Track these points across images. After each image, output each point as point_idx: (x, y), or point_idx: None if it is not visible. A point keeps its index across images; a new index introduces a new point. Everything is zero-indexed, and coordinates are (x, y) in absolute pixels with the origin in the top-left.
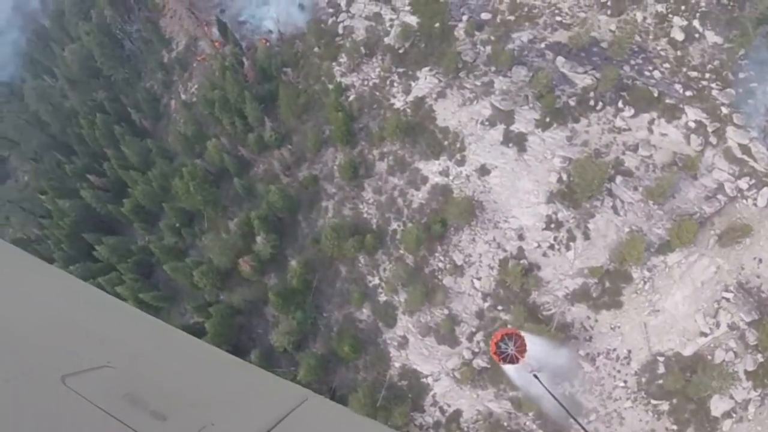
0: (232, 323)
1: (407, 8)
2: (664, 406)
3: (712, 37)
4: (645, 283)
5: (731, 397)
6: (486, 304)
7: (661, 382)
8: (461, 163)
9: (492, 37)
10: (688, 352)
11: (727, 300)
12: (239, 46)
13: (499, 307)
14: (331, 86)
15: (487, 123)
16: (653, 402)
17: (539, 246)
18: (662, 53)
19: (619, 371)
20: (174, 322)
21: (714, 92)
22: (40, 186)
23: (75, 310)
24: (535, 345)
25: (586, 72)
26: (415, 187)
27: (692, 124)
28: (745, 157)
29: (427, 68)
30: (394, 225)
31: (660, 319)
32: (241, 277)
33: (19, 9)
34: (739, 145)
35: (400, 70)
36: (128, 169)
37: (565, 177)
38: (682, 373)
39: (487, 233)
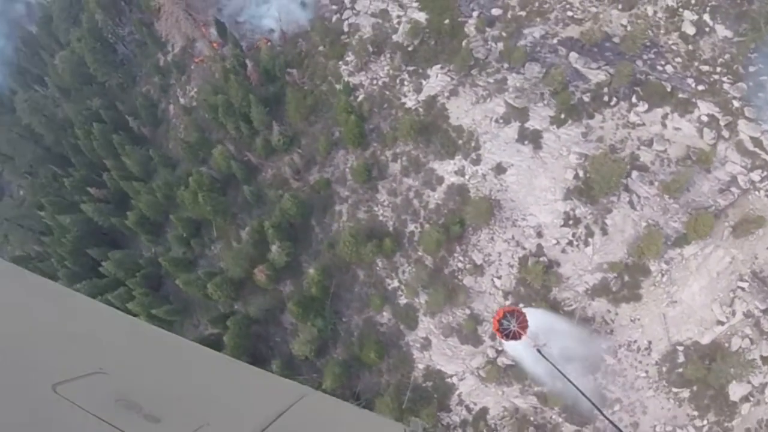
0: (249, 334)
1: (415, 4)
2: (685, 393)
3: (722, 31)
4: (663, 275)
5: (749, 382)
6: (507, 303)
7: (681, 370)
8: (477, 162)
9: (503, 33)
10: (705, 340)
11: (742, 289)
12: (240, 47)
13: (521, 305)
14: (338, 86)
15: (501, 121)
16: (674, 390)
17: (558, 243)
18: (674, 47)
19: (640, 362)
20: (188, 335)
21: (725, 86)
22: (37, 201)
23: (63, 318)
24: (537, 320)
25: (599, 68)
26: (430, 188)
27: (705, 118)
28: (757, 150)
29: (438, 66)
30: (411, 227)
31: (678, 309)
32: (255, 285)
33: (3, 15)
34: (751, 138)
35: (410, 68)
36: (129, 179)
37: (581, 173)
38: (702, 361)
39: (506, 232)
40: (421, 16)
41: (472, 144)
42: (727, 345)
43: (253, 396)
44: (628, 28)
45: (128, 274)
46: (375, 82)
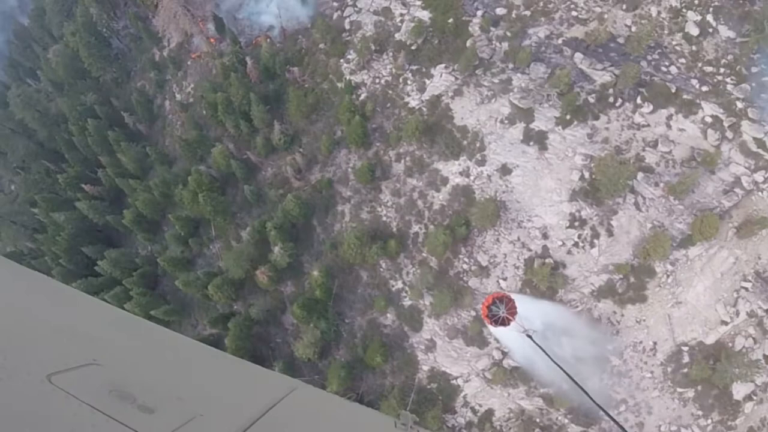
0: (249, 335)
1: (418, 3)
2: (690, 393)
3: (725, 32)
4: (668, 276)
5: (751, 381)
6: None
7: (686, 371)
8: (482, 162)
9: (508, 33)
10: (710, 340)
11: (746, 289)
12: (239, 44)
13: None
14: (340, 84)
15: (506, 121)
16: (679, 390)
17: (564, 244)
18: (677, 48)
19: (645, 363)
20: (186, 335)
21: (729, 87)
22: (30, 197)
23: (57, 312)
24: (526, 306)
25: (604, 69)
26: (435, 189)
27: (709, 119)
28: (761, 151)
29: (442, 65)
30: (416, 228)
31: (683, 310)
32: (255, 285)
33: None
34: (754, 139)
35: (414, 67)
36: (125, 176)
37: (587, 175)
38: (706, 361)
39: (511, 233)
40: (425, 15)
41: (477, 144)
42: (731, 345)
43: (245, 388)
44: (633, 29)
45: (124, 273)
46: (377, 80)
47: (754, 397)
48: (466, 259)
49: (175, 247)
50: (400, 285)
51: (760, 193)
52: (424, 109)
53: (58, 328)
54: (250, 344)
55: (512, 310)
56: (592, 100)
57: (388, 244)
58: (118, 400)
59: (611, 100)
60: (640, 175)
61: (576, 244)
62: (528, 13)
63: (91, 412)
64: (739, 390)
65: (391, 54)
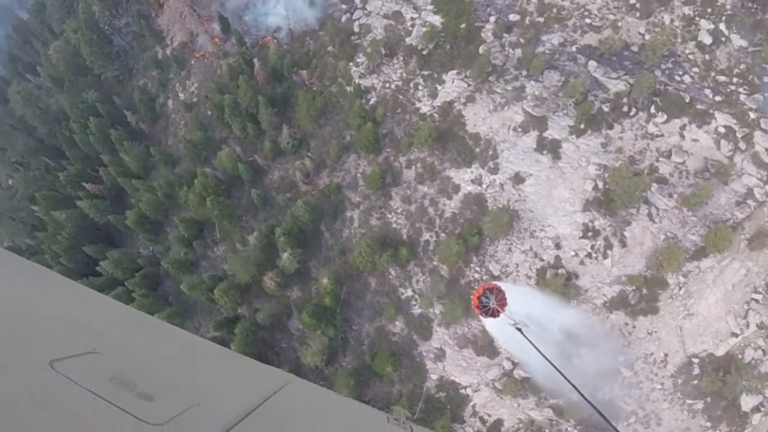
0: (255, 340)
1: (430, 7)
2: (699, 404)
3: (737, 41)
4: (680, 288)
5: (760, 393)
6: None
7: (696, 382)
8: (494, 171)
9: (521, 40)
10: (720, 352)
11: (756, 301)
12: (245, 45)
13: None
14: (349, 88)
15: (519, 129)
16: (688, 401)
17: (576, 254)
18: (691, 57)
19: (656, 374)
20: None
21: (742, 97)
22: (29, 194)
23: (59, 302)
24: (518, 297)
25: (618, 77)
26: (446, 196)
27: (722, 130)
28: None
29: (454, 71)
30: (426, 235)
31: (694, 322)
32: (261, 289)
33: None
34: (767, 150)
35: (425, 72)
36: (127, 175)
37: (600, 185)
38: (716, 373)
39: (524, 243)
40: (436, 20)
41: (490, 152)
42: (740, 356)
43: (241, 380)
44: (646, 37)
45: (126, 273)
46: (387, 85)
47: (762, 409)
48: (477, 269)
49: (179, 248)
50: (409, 293)
51: None
52: (436, 115)
53: (59, 317)
54: (256, 349)
55: (502, 302)
56: (606, 109)
57: (399, 252)
58: (119, 387)
59: (625, 109)
60: (654, 186)
61: (589, 255)
62: (541, 19)
63: (93, 398)
64: (747, 402)
65: (401, 58)
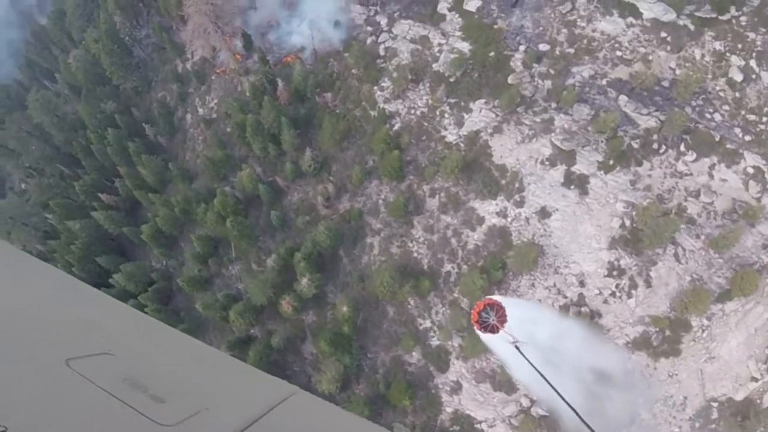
0: (268, 362)
1: (458, 33)
2: None
3: (767, 78)
4: (703, 331)
5: None
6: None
7: (714, 426)
8: (520, 204)
9: (551, 71)
10: (739, 397)
11: None
12: (268, 64)
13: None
14: (373, 113)
15: (547, 162)
16: None
17: (600, 293)
18: (721, 94)
19: (674, 417)
20: None
21: None
22: (43, 201)
23: (74, 304)
24: (519, 313)
25: (649, 113)
26: (470, 228)
27: (751, 170)
28: None
29: (481, 100)
30: (448, 266)
31: (715, 365)
32: (275, 311)
33: (14, 5)
34: None
35: (452, 100)
36: (143, 188)
37: (628, 223)
38: (734, 418)
39: (548, 279)
40: (465, 46)
41: (516, 185)
42: (759, 402)
43: (247, 389)
44: (677, 72)
45: (139, 286)
46: (413, 111)
47: None
48: None
49: (193, 265)
50: (428, 324)
51: None
52: (462, 144)
53: (75, 319)
54: (267, 371)
55: (502, 318)
56: (635, 146)
57: (421, 284)
58: (131, 388)
59: (655, 146)
60: (682, 226)
61: (613, 294)
62: (572, 50)
63: (107, 397)
64: None
65: (427, 84)
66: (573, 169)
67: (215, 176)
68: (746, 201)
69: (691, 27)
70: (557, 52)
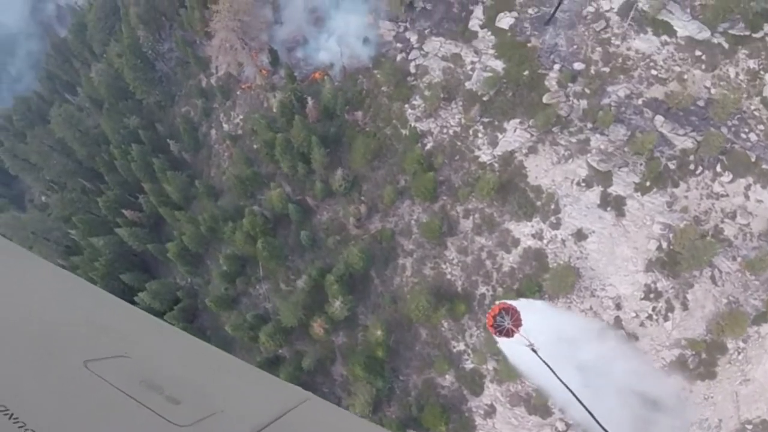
0: (298, 384)
1: (491, 51)
2: None
3: None
4: (739, 353)
5: None
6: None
7: None
8: (556, 226)
9: (587, 90)
10: None
11: None
12: (296, 81)
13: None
14: (404, 131)
15: (583, 184)
16: None
17: (637, 316)
18: (756, 113)
19: None
20: None
21: None
22: (66, 216)
23: (93, 308)
24: (536, 317)
25: (686, 134)
26: (505, 250)
27: None
28: None
29: (516, 120)
30: (482, 289)
31: (750, 388)
32: (304, 332)
33: (34, 16)
34: None
35: (485, 119)
36: (168, 204)
37: (664, 245)
38: None
39: (584, 302)
40: (498, 65)
41: (552, 206)
42: None
43: (261, 393)
44: (712, 91)
45: (164, 304)
46: (445, 130)
47: None
48: None
49: (220, 283)
50: (462, 347)
51: None
52: (496, 164)
53: (93, 323)
54: None
55: (517, 322)
56: (672, 167)
57: (456, 307)
58: (147, 389)
59: (691, 167)
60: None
61: (650, 317)
62: (607, 69)
63: (124, 398)
64: None
65: (460, 103)
66: (609, 190)
67: (242, 194)
68: None
69: (725, 45)
70: (592, 71)
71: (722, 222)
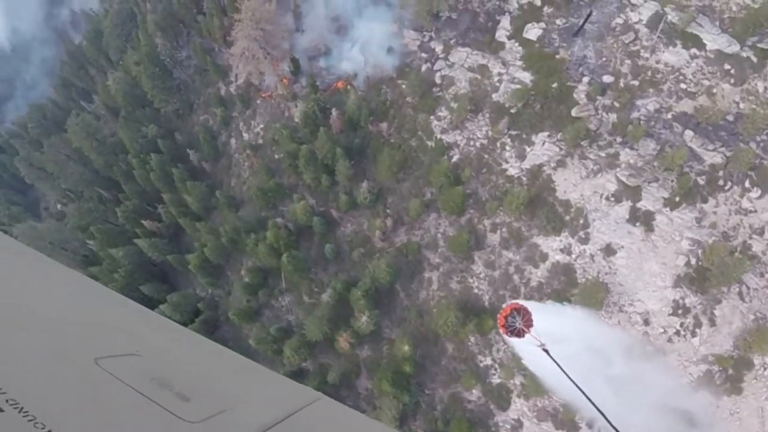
0: None
1: (519, 63)
2: None
3: None
4: (765, 369)
5: None
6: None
7: None
8: (585, 241)
9: (616, 104)
10: None
11: None
12: (318, 90)
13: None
14: (430, 143)
15: (612, 198)
16: None
17: (665, 332)
18: None
19: None
20: None
21: None
22: (83, 225)
23: (104, 308)
24: (548, 318)
25: (715, 149)
26: (533, 264)
27: None
28: None
29: (544, 133)
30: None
31: None
32: (329, 345)
33: (48, 22)
34: None
35: (513, 132)
36: (187, 215)
37: (693, 261)
38: None
39: (612, 317)
40: (526, 77)
41: (581, 221)
42: None
43: (271, 392)
44: (741, 105)
45: (185, 316)
46: (471, 142)
47: None
48: None
49: (242, 295)
50: (489, 362)
51: None
52: (524, 178)
53: (104, 322)
54: None
55: (528, 322)
56: (701, 182)
57: (484, 322)
58: (158, 387)
59: (720, 182)
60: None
61: (677, 332)
62: (636, 83)
63: (134, 394)
64: None
65: (487, 115)
66: (638, 205)
67: (264, 205)
68: None
69: (754, 59)
70: (621, 84)
71: (750, 238)
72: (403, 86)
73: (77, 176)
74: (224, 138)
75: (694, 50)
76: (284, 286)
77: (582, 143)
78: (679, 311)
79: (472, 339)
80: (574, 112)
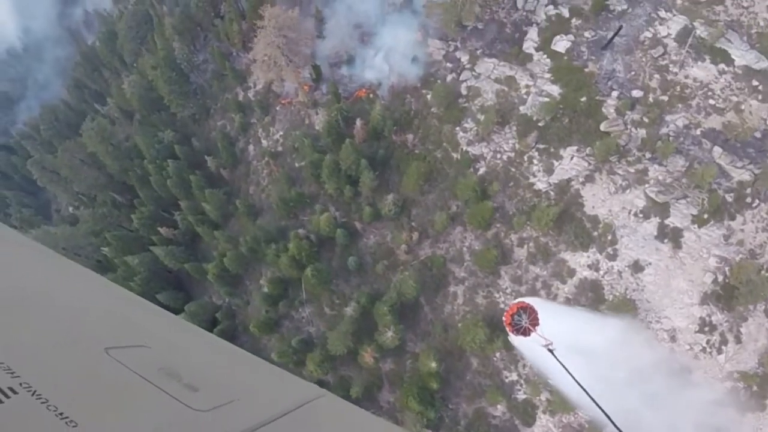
0: None
1: (547, 75)
2: None
3: None
4: None
5: None
6: None
7: None
8: (613, 257)
9: (645, 119)
10: None
11: None
12: (340, 99)
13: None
14: (455, 155)
15: (641, 215)
16: None
17: (691, 348)
18: None
19: None
20: None
21: None
22: (97, 231)
23: (113, 302)
24: (553, 318)
25: (744, 166)
26: (560, 280)
27: None
28: None
29: (573, 148)
30: None
31: None
32: (351, 357)
33: (60, 22)
34: None
35: (541, 146)
36: (205, 222)
37: (720, 278)
38: None
39: (639, 334)
40: (554, 90)
41: (609, 237)
42: None
43: (277, 386)
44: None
45: (202, 325)
46: (498, 155)
47: None
48: None
49: (261, 305)
50: (514, 377)
51: None
52: (552, 192)
53: (114, 315)
54: None
55: (534, 321)
56: (729, 199)
57: None
58: (166, 377)
59: (748, 200)
60: None
61: (703, 350)
62: (665, 98)
63: (143, 383)
64: None
65: (514, 128)
66: (667, 222)
67: (285, 215)
68: None
69: None
70: (651, 99)
71: None
72: (428, 96)
73: (91, 180)
74: (242, 144)
75: (722, 65)
76: (305, 297)
77: (611, 158)
78: (706, 328)
79: (498, 354)
80: (603, 127)
